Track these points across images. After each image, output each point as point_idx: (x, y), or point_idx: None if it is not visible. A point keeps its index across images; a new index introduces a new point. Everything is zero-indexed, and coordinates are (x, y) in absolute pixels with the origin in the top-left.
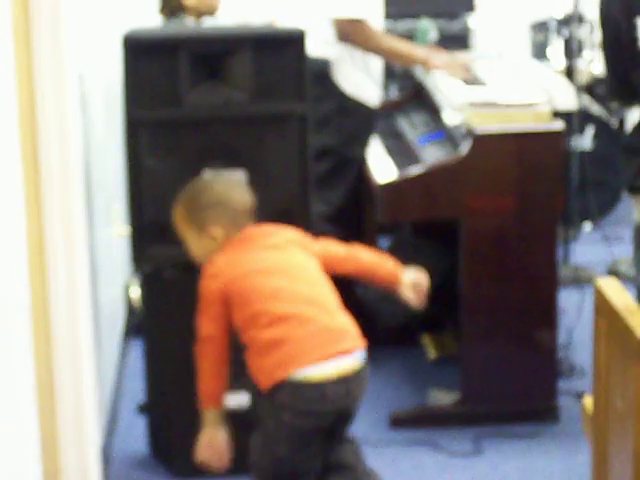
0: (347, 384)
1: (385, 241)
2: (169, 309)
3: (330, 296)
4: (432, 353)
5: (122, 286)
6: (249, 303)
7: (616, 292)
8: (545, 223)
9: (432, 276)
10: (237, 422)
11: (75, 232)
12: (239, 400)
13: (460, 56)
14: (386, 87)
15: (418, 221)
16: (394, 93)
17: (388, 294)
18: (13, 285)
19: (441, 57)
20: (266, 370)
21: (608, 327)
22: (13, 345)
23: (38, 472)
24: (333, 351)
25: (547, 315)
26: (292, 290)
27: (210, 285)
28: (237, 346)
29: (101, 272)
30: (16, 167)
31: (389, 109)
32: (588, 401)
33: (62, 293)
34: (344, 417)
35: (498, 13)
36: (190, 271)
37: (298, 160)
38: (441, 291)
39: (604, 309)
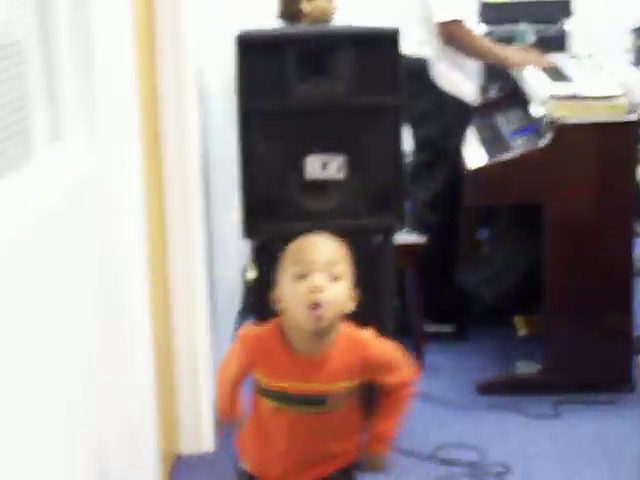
0: None
1: (484, 231)
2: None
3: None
4: (521, 331)
5: (239, 269)
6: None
7: None
8: (623, 212)
9: (526, 261)
10: None
11: (193, 217)
12: None
13: (547, 56)
14: (487, 87)
15: (502, 205)
16: (494, 93)
17: (487, 277)
18: (134, 269)
19: (518, 52)
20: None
21: None
22: (135, 321)
23: (154, 426)
24: None
25: (623, 299)
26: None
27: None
28: None
29: (218, 255)
30: (138, 157)
31: (488, 107)
32: None
33: (180, 274)
34: None
35: (596, 17)
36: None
37: (393, 147)
38: (533, 276)
39: None
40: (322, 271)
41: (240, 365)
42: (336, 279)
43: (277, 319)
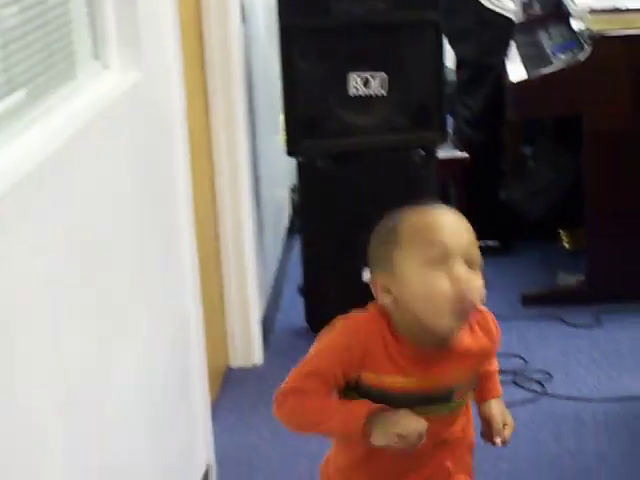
0: None
1: (528, 147)
2: (321, 195)
3: None
4: (566, 245)
5: (287, 188)
6: None
7: None
8: None
9: (568, 178)
10: None
11: (238, 135)
12: None
13: None
14: (530, 3)
15: (544, 116)
16: (537, 9)
17: (532, 192)
18: (179, 182)
19: None
20: None
21: None
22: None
23: (202, 341)
24: None
25: None
26: None
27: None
28: None
29: (265, 175)
30: (180, 75)
31: (531, 24)
32: None
33: (226, 192)
34: None
35: None
36: (340, 161)
37: (434, 63)
38: (578, 190)
39: None
40: (462, 256)
41: (342, 365)
42: (475, 267)
43: (375, 306)
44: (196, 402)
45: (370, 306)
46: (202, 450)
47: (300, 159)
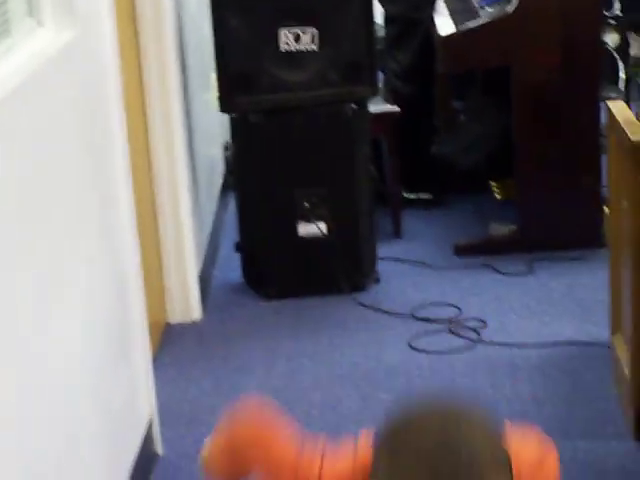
0: None
1: (459, 102)
2: (255, 151)
3: None
4: (498, 196)
5: (221, 146)
6: None
7: (621, 110)
8: (589, 73)
9: (498, 130)
10: (312, 249)
11: (171, 94)
12: (313, 229)
13: None
14: None
15: (473, 69)
16: None
17: (463, 145)
18: (115, 142)
19: None
20: None
21: (616, 140)
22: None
23: (142, 295)
24: None
25: (591, 160)
26: None
27: None
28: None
29: (199, 133)
30: (113, 36)
31: None
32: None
33: (162, 150)
34: None
35: None
36: (272, 116)
37: (363, 17)
38: (507, 143)
39: (612, 125)
40: None
41: None
42: None
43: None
44: (137, 356)
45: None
46: (144, 403)
47: (233, 115)
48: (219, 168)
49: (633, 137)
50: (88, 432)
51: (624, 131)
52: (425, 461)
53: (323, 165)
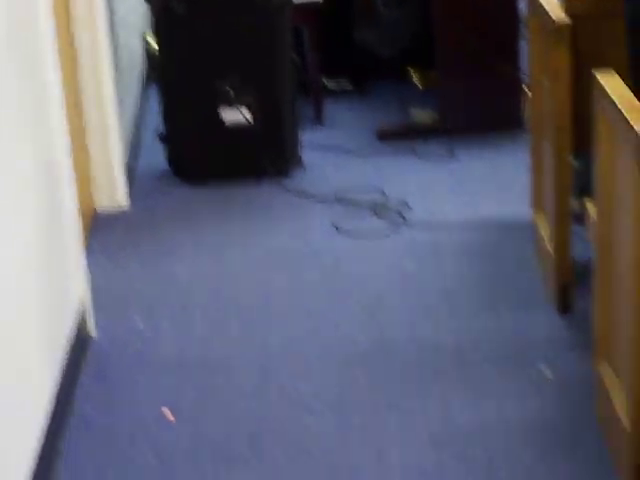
0: None
1: None
2: (177, 40)
3: None
4: (420, 85)
5: (142, 38)
6: None
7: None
8: None
9: (418, 19)
10: (236, 135)
11: None
12: (237, 115)
13: None
14: None
15: None
16: None
17: (382, 34)
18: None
19: None
20: None
21: (538, 23)
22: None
23: (72, 188)
24: None
25: (511, 47)
26: None
27: None
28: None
29: (121, 24)
30: None
31: None
32: None
33: (85, 39)
34: None
35: None
36: (194, 5)
37: None
38: (427, 32)
39: (533, 7)
40: None
41: None
42: None
43: None
44: (69, 241)
45: None
46: (77, 288)
47: (154, 5)
48: (141, 60)
49: (556, 18)
50: (23, 315)
51: (546, 12)
52: None
53: (246, 54)
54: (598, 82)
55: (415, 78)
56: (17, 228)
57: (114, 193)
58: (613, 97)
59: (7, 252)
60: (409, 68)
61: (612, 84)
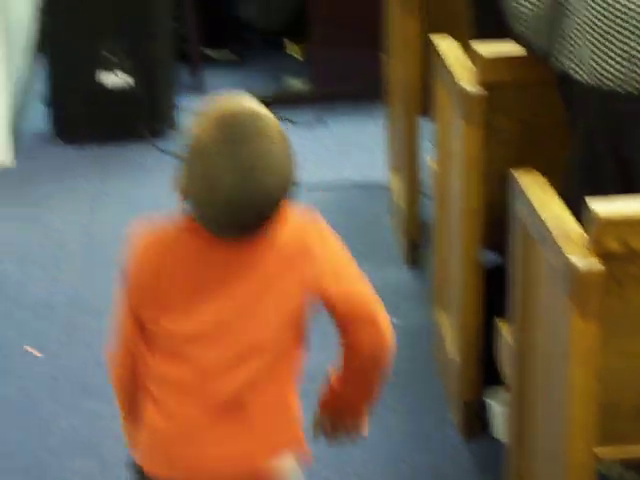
0: None
1: None
2: (61, 7)
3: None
4: (298, 56)
5: (34, 6)
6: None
7: None
8: None
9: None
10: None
11: None
12: (116, 80)
13: None
14: None
15: None
16: None
17: (261, 6)
18: None
19: None
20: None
21: None
22: None
23: None
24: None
25: (377, 20)
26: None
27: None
28: None
29: None
30: None
31: None
32: None
33: None
34: None
35: None
36: None
37: None
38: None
39: None
40: None
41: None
42: None
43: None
44: None
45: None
46: None
47: None
48: (30, 25)
49: None
50: None
51: None
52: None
53: (126, 20)
54: (434, 45)
55: (291, 49)
56: None
57: None
58: (445, 59)
59: None
60: (286, 40)
61: (446, 46)
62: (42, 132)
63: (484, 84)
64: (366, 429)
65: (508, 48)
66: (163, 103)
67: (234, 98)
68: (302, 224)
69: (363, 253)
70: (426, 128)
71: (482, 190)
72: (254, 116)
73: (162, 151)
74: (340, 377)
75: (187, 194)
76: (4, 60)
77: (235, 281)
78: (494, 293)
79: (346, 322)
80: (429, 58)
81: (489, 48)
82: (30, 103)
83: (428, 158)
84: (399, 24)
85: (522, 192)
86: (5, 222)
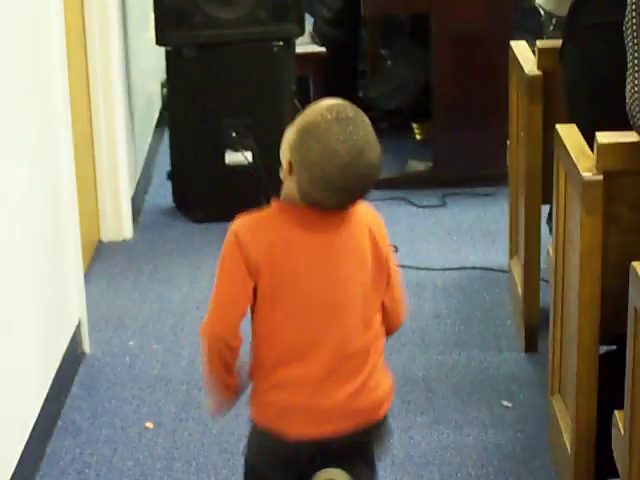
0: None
1: (386, 52)
2: (188, 84)
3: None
4: (418, 136)
5: (159, 83)
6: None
7: (520, 48)
8: (505, 23)
9: (422, 75)
10: (239, 176)
11: (111, 34)
12: (240, 158)
13: None
14: None
15: (396, 13)
16: None
17: (388, 90)
18: (56, 75)
19: None
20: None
21: (515, 75)
22: (56, 119)
23: (76, 216)
24: (315, 433)
25: (501, 105)
26: (322, 335)
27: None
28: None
29: (136, 69)
30: None
31: None
32: None
33: (100, 82)
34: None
35: None
36: (205, 51)
37: None
38: (428, 88)
39: (512, 61)
40: None
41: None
42: None
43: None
44: (69, 262)
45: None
46: (74, 306)
47: (169, 50)
48: (156, 103)
49: (527, 71)
50: (22, 326)
51: (521, 66)
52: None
53: (251, 98)
54: (557, 132)
55: (415, 131)
56: (19, 249)
57: (119, 225)
58: (567, 146)
59: (7, 269)
60: (411, 121)
61: (568, 133)
62: (164, 206)
63: (603, 172)
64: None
65: (628, 137)
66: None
67: (329, 99)
68: (368, 207)
69: (481, 336)
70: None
71: (600, 279)
72: (353, 107)
73: None
74: None
75: (300, 171)
76: (129, 135)
77: (335, 252)
78: (614, 382)
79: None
80: (551, 145)
81: (608, 136)
82: (153, 177)
83: (548, 245)
84: (522, 110)
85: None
86: (125, 295)
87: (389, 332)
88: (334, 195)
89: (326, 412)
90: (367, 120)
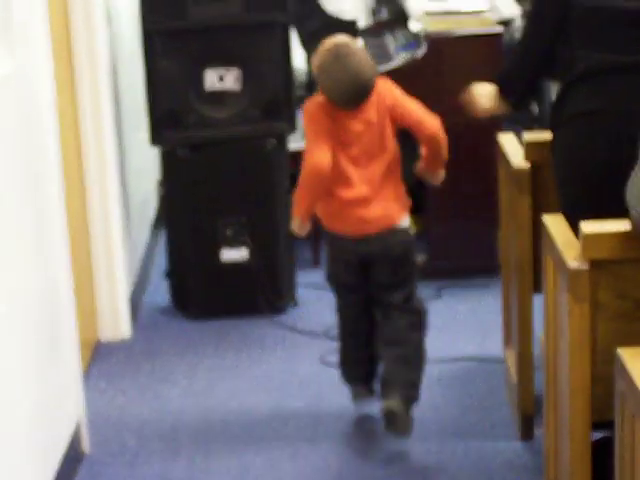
0: (366, 241)
1: None
2: (182, 182)
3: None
4: (412, 228)
5: (155, 182)
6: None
7: (508, 140)
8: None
9: (414, 171)
10: (235, 273)
11: (105, 134)
12: (236, 255)
13: None
14: (377, 9)
15: None
16: (384, 15)
17: None
18: (51, 177)
19: None
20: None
21: (504, 168)
22: (52, 224)
23: (73, 318)
24: (357, 232)
25: (491, 197)
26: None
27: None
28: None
29: (131, 169)
30: (50, 74)
31: (379, 27)
32: None
33: (96, 184)
34: (374, 262)
35: None
36: (198, 150)
37: (282, 59)
38: (422, 182)
39: (500, 154)
40: None
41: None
42: None
43: None
44: (67, 364)
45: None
46: (73, 407)
47: (162, 149)
48: (152, 202)
49: (515, 164)
50: (20, 428)
51: (508, 160)
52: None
53: (245, 196)
54: (543, 222)
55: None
56: (16, 350)
57: (118, 325)
58: (553, 236)
59: (4, 371)
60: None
61: (555, 223)
62: (162, 305)
63: (590, 260)
64: (442, 176)
65: (612, 226)
66: (283, 278)
67: (335, 37)
68: (384, 85)
69: (478, 426)
70: (540, 303)
71: (589, 366)
72: (351, 43)
73: (281, 326)
74: (424, 155)
75: (323, 90)
76: (125, 234)
77: (362, 125)
78: (605, 468)
79: (416, 129)
80: (540, 235)
81: (593, 226)
82: (150, 276)
83: (541, 333)
84: (511, 202)
85: (624, 369)
86: (124, 394)
87: (428, 142)
88: (344, 102)
89: (359, 219)
90: (360, 49)
